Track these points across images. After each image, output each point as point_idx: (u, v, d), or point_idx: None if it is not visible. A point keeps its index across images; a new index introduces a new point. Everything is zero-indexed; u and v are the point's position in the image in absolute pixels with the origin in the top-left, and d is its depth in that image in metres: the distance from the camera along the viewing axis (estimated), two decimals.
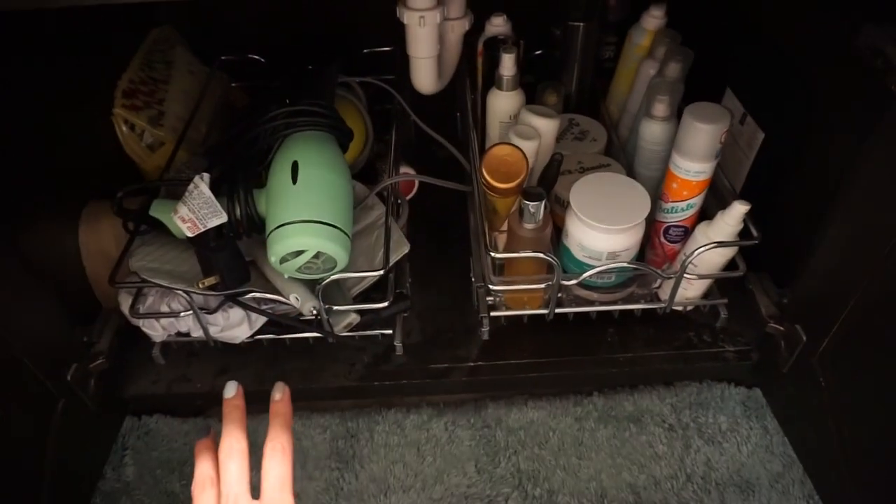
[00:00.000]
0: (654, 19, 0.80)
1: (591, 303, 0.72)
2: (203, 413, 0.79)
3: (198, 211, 0.59)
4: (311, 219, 0.57)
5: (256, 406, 0.79)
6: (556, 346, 0.75)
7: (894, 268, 0.53)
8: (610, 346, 0.75)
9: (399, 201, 0.78)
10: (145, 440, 0.76)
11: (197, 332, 0.68)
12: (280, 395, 0.46)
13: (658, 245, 0.72)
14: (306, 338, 0.72)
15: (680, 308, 0.74)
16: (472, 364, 0.74)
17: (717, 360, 0.74)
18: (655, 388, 0.80)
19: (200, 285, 0.60)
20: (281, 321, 0.66)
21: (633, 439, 0.76)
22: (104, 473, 0.73)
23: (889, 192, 0.53)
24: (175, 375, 0.74)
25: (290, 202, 0.59)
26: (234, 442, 0.42)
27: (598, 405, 0.79)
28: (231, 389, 0.46)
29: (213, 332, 0.68)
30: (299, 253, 0.58)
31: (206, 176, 0.61)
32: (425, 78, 0.78)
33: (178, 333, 0.69)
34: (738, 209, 0.63)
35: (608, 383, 0.79)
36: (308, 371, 0.74)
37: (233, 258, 0.61)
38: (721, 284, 0.74)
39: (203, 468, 0.42)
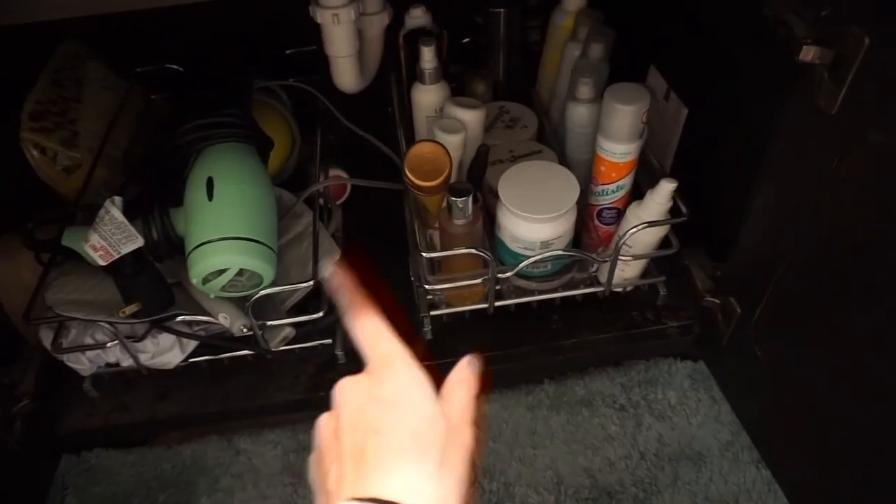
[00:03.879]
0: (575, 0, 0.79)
1: (532, 292, 0.72)
2: (147, 442, 0.76)
3: (110, 237, 0.56)
4: (230, 235, 0.55)
5: (199, 429, 0.78)
6: (501, 338, 0.74)
7: (816, 235, 0.53)
8: (555, 334, 0.75)
9: (329, 206, 0.76)
10: (86, 477, 0.73)
11: (127, 362, 0.66)
12: (328, 271, 0.42)
13: (593, 228, 0.72)
14: (245, 355, 0.70)
15: (620, 289, 0.74)
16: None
17: (661, 338, 0.75)
18: (605, 369, 0.80)
19: (121, 314, 0.58)
20: (212, 342, 0.64)
21: (586, 423, 0.76)
22: None
23: (804, 162, 0.53)
24: (111, 406, 0.71)
25: (206, 220, 0.56)
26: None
27: (549, 392, 0.79)
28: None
29: (144, 359, 0.65)
30: (221, 272, 0.56)
31: (117, 199, 0.58)
32: (346, 76, 0.76)
33: (108, 364, 0.66)
34: (666, 187, 0.63)
35: (558, 370, 0.80)
36: (251, 387, 0.72)
37: (153, 283, 0.59)
38: (659, 262, 0.74)
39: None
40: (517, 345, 0.74)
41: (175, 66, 0.89)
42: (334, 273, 0.40)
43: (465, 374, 0.36)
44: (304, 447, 0.75)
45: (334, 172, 0.80)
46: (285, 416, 0.76)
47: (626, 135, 0.63)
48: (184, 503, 0.71)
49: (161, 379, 0.72)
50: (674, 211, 0.65)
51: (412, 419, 0.31)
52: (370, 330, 0.35)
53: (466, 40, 0.90)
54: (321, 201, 0.71)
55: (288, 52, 0.91)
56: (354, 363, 0.69)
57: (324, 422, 0.34)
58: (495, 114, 0.82)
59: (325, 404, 0.74)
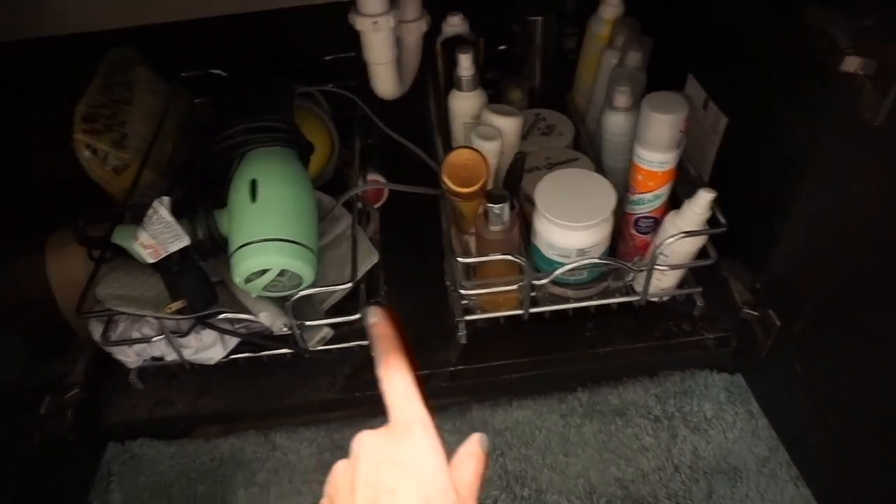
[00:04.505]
0: (611, 8, 0.79)
1: (567, 300, 0.72)
2: (188, 434, 0.79)
3: (159, 236, 0.58)
4: (272, 237, 0.57)
5: (237, 424, 0.80)
6: (536, 345, 0.75)
7: (857, 247, 0.52)
8: (590, 341, 0.75)
9: (367, 210, 0.77)
10: (130, 465, 0.75)
11: (171, 356, 0.68)
12: (375, 318, 0.40)
13: (629, 237, 0.72)
14: (284, 353, 0.72)
15: (656, 299, 0.73)
16: (451, 369, 0.74)
17: (697, 349, 0.74)
18: (639, 379, 0.79)
19: (167, 310, 0.60)
20: (252, 340, 0.66)
21: (620, 433, 0.75)
22: (90, 502, 0.73)
23: (846, 173, 0.53)
24: (155, 399, 0.74)
25: (249, 221, 0.58)
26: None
27: (582, 400, 0.78)
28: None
29: (187, 354, 0.67)
30: (263, 272, 0.58)
31: (165, 199, 0.60)
32: (385, 83, 0.77)
33: (153, 358, 0.69)
34: (704, 197, 0.62)
35: (592, 378, 0.79)
36: (288, 386, 0.74)
37: (198, 281, 0.61)
38: (695, 272, 0.73)
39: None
40: (551, 351, 0.74)
41: (218, 72, 0.92)
42: (379, 322, 0.40)
43: (475, 449, 0.36)
44: (339, 445, 0.76)
45: (372, 177, 0.81)
46: (321, 414, 0.77)
47: (664, 144, 0.63)
48: (221, 495, 0.73)
49: (202, 374, 0.74)
50: (712, 221, 0.65)
51: (426, 486, 0.33)
52: (399, 388, 0.36)
53: (502, 47, 0.91)
54: (359, 205, 0.72)
55: (327, 58, 0.93)
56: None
57: (340, 470, 0.36)
58: (531, 121, 0.83)
59: (360, 405, 0.76)
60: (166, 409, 0.73)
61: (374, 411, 0.77)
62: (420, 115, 0.98)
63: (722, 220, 0.64)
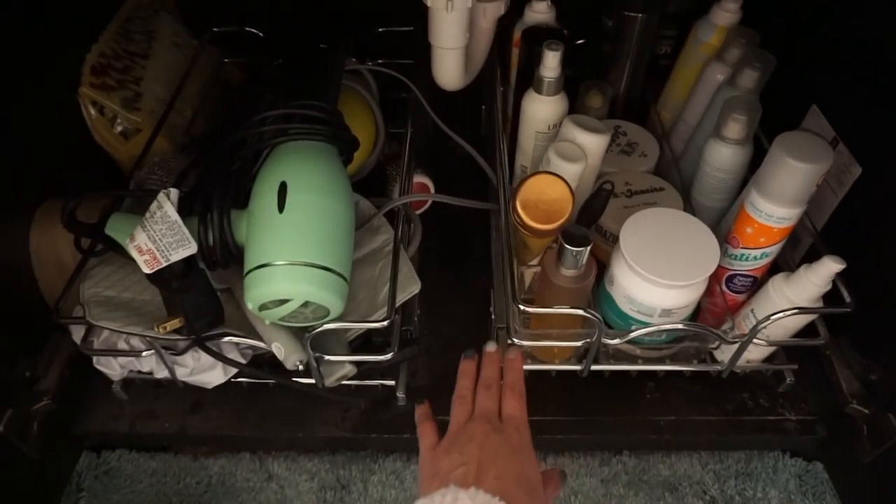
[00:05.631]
0: (726, 14, 0.67)
1: (634, 359, 0.61)
2: (172, 448, 0.69)
3: (159, 240, 0.47)
4: (300, 261, 0.46)
5: (230, 449, 0.70)
6: (587, 404, 0.64)
7: None
8: (649, 406, 0.64)
9: (411, 221, 0.65)
10: (103, 481, 0.65)
11: (162, 374, 0.57)
12: (514, 354, 0.50)
13: (718, 294, 0.60)
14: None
15: (738, 370, 0.62)
16: None
17: (775, 432, 0.63)
18: (696, 451, 0.69)
19: (161, 330, 0.49)
20: (254, 376, 0.55)
21: None
22: None
23: None
24: (139, 411, 0.64)
25: (274, 235, 0.47)
26: (491, 376, 0.48)
27: (628, 467, 0.68)
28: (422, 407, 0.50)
29: (181, 374, 0.57)
30: (284, 301, 0.47)
31: (173, 193, 0.49)
32: (450, 72, 0.65)
33: (141, 372, 0.58)
34: (830, 267, 0.51)
35: (643, 445, 0.68)
36: (294, 416, 0.64)
37: (202, 297, 0.50)
38: (789, 346, 0.61)
39: (464, 383, 0.49)
40: (605, 413, 0.64)
41: (254, 30, 0.79)
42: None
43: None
44: (344, 485, 0.66)
45: (419, 179, 0.70)
46: (327, 452, 0.67)
47: (793, 198, 0.50)
48: None
49: (196, 389, 0.63)
50: (830, 296, 0.53)
51: (528, 472, 0.43)
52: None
53: (581, 42, 0.78)
54: (404, 217, 0.60)
55: (380, 30, 0.80)
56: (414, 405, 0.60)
57: (463, 420, 0.45)
58: (611, 135, 0.70)
59: (373, 447, 0.66)
60: (151, 425, 0.63)
61: (387, 448, 0.67)
62: (472, 106, 0.86)
63: (847, 297, 0.52)
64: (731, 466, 0.68)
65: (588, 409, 0.64)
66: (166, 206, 0.48)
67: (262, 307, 0.47)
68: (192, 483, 0.67)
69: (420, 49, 0.69)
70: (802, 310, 0.51)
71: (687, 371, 0.62)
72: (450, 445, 0.44)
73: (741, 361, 0.60)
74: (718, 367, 0.60)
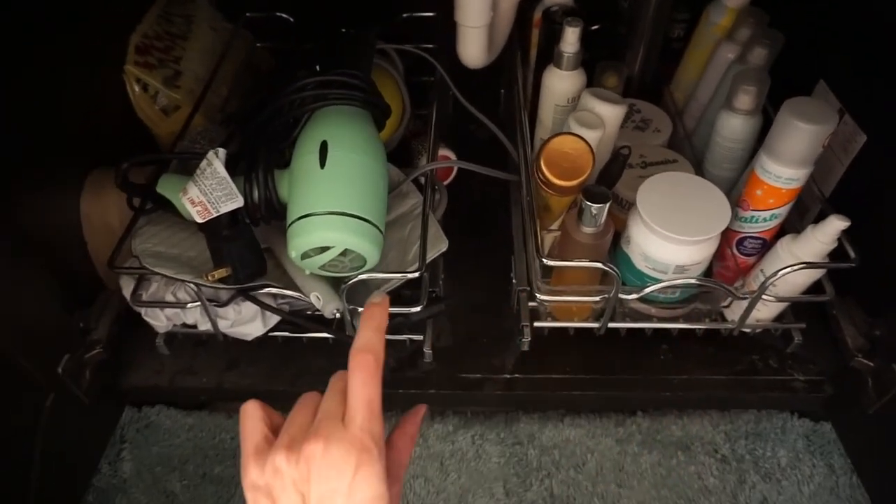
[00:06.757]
0: None
1: (648, 318, 0.64)
2: (207, 406, 0.73)
3: (210, 193, 0.51)
4: (340, 210, 0.49)
5: (270, 404, 0.73)
6: (603, 362, 0.67)
7: None
8: (663, 366, 0.67)
9: (437, 189, 0.69)
10: (145, 434, 0.69)
11: (205, 325, 0.61)
12: (379, 298, 0.39)
13: (730, 257, 0.63)
14: (326, 336, 0.65)
15: (748, 330, 0.65)
16: (507, 376, 0.66)
17: (783, 390, 0.66)
18: (708, 412, 0.72)
19: (209, 278, 0.53)
20: (295, 321, 0.59)
21: (681, 469, 0.68)
22: (100, 468, 0.67)
23: None
24: (180, 367, 0.68)
25: (316, 189, 0.51)
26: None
27: (642, 427, 0.71)
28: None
29: (223, 326, 0.60)
30: (324, 249, 0.50)
31: (221, 152, 0.53)
32: (474, 50, 0.69)
33: (185, 324, 0.62)
34: (836, 225, 0.54)
35: (656, 405, 0.71)
36: (325, 372, 0.65)
37: (247, 248, 0.54)
38: (796, 304, 0.65)
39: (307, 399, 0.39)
40: (619, 372, 0.67)
41: (285, 16, 0.84)
42: (381, 305, 0.38)
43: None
44: None
45: (443, 152, 0.73)
46: None
47: (801, 159, 0.54)
48: (238, 482, 0.67)
49: (234, 347, 0.67)
50: (835, 253, 0.56)
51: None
52: (365, 396, 0.34)
53: (595, 27, 0.81)
54: (432, 184, 0.64)
55: (404, 15, 0.84)
56: (442, 363, 0.63)
57: (283, 465, 0.33)
58: (626, 112, 0.74)
59: (400, 403, 0.69)
60: (189, 380, 0.67)
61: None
62: (492, 86, 0.89)
63: (852, 253, 0.55)
64: (741, 427, 0.71)
65: (604, 368, 0.67)
66: (215, 163, 0.52)
67: (304, 255, 0.51)
68: (227, 438, 0.71)
69: (441, 34, 0.73)
70: (809, 264, 0.55)
71: (699, 330, 0.65)
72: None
73: (751, 320, 0.63)
74: (730, 325, 0.63)
